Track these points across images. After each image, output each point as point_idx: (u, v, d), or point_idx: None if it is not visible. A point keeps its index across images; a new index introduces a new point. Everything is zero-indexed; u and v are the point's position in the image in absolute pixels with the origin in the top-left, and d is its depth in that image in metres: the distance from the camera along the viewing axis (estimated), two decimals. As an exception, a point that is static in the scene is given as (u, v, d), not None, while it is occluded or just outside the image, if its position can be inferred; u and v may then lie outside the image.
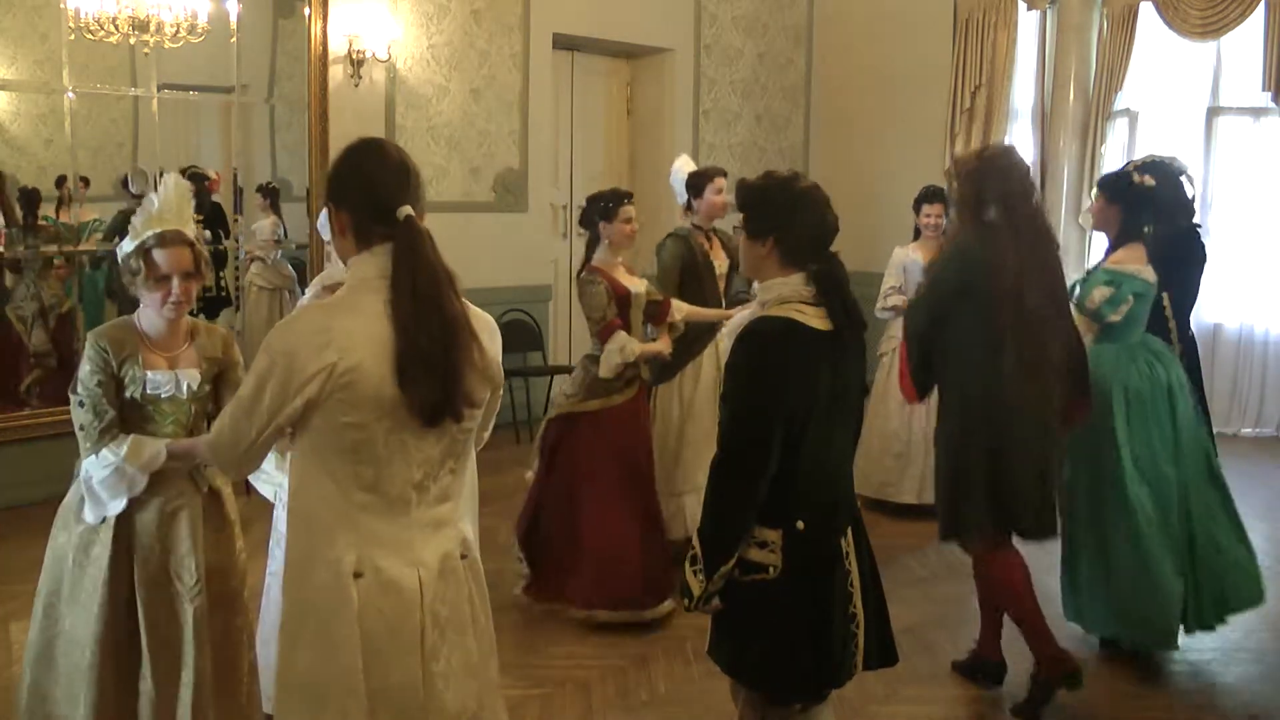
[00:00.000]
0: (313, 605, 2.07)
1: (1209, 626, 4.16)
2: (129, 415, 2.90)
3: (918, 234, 6.09)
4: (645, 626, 4.45)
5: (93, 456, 2.85)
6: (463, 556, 2.20)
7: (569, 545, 4.52)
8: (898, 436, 5.97)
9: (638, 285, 4.69)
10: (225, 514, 3.08)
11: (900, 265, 6.05)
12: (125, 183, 6.62)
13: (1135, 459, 4.05)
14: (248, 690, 3.14)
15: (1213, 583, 4.09)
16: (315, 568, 2.07)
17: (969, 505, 3.69)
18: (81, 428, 2.88)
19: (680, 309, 4.86)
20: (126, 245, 2.88)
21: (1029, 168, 3.82)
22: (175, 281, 2.85)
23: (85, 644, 2.88)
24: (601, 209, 4.58)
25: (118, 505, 2.86)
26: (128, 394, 2.88)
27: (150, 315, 2.92)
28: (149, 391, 2.88)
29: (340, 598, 2.04)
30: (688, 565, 2.57)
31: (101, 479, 2.84)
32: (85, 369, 2.87)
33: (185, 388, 2.94)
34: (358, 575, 2.05)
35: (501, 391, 2.29)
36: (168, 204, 2.90)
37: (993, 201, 3.64)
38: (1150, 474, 4.05)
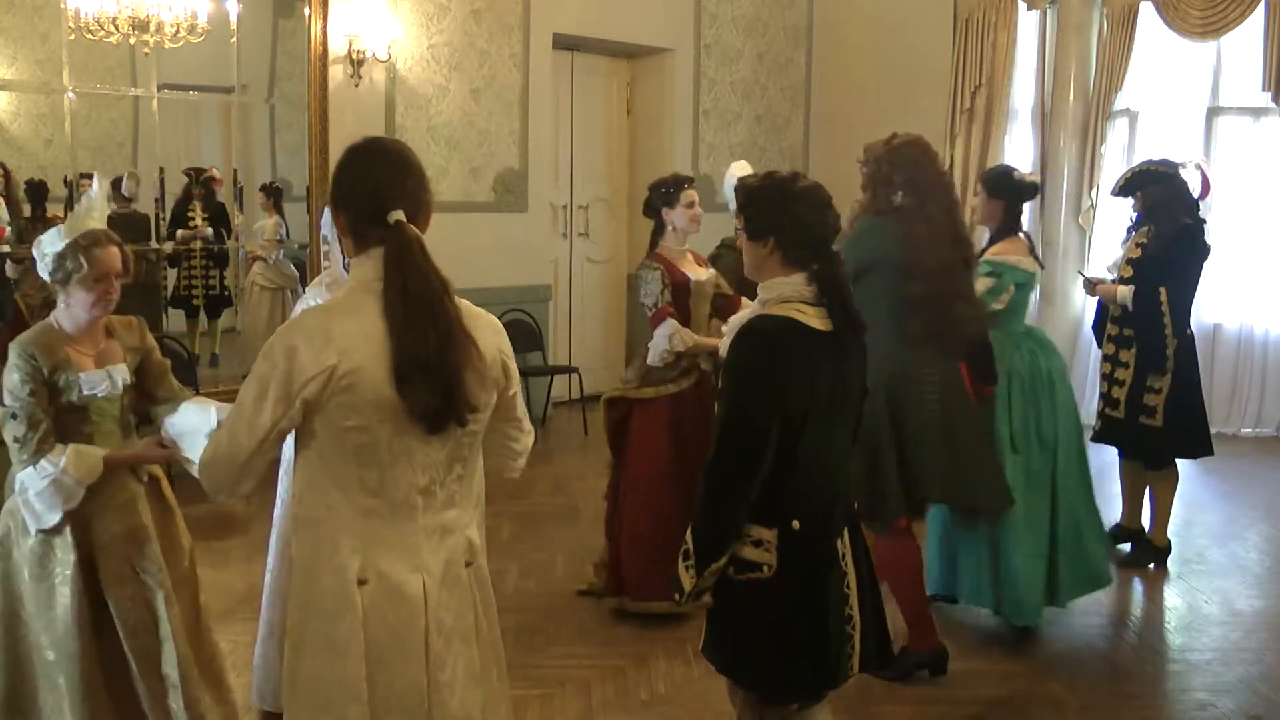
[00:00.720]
0: (318, 611, 2.06)
1: (1063, 604, 4.42)
2: (68, 420, 2.88)
3: None
4: (645, 626, 4.45)
5: (30, 469, 2.81)
6: (468, 564, 2.19)
7: (622, 535, 4.51)
8: None
9: (702, 274, 4.57)
10: (166, 500, 3.13)
11: None
12: (117, 185, 6.61)
13: (1011, 440, 4.26)
14: (221, 666, 3.21)
15: (1072, 564, 4.35)
16: (320, 574, 2.06)
17: (883, 484, 3.75)
18: (16, 440, 2.83)
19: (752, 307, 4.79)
20: (55, 245, 2.85)
21: (940, 161, 3.96)
22: (113, 280, 2.88)
23: (63, 664, 2.87)
24: (663, 195, 4.51)
25: (53, 517, 2.84)
26: (65, 399, 2.86)
27: (73, 315, 2.90)
28: (86, 393, 2.87)
29: (345, 604, 2.04)
30: (680, 560, 2.58)
31: (38, 491, 2.81)
32: (14, 379, 2.81)
33: (119, 382, 2.95)
34: (362, 582, 2.05)
35: (516, 389, 2.25)
36: (98, 207, 2.95)
37: (900, 187, 3.79)
38: (1023, 455, 4.27)
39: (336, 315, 2.04)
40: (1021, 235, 4.51)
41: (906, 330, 3.71)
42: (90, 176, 6.34)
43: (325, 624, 2.05)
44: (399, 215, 2.03)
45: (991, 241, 4.52)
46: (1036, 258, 4.57)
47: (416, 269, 2.01)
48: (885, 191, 3.82)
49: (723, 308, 4.65)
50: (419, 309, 1.99)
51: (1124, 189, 5.25)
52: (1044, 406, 4.34)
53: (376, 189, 2.06)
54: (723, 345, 2.95)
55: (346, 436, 2.01)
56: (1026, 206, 4.77)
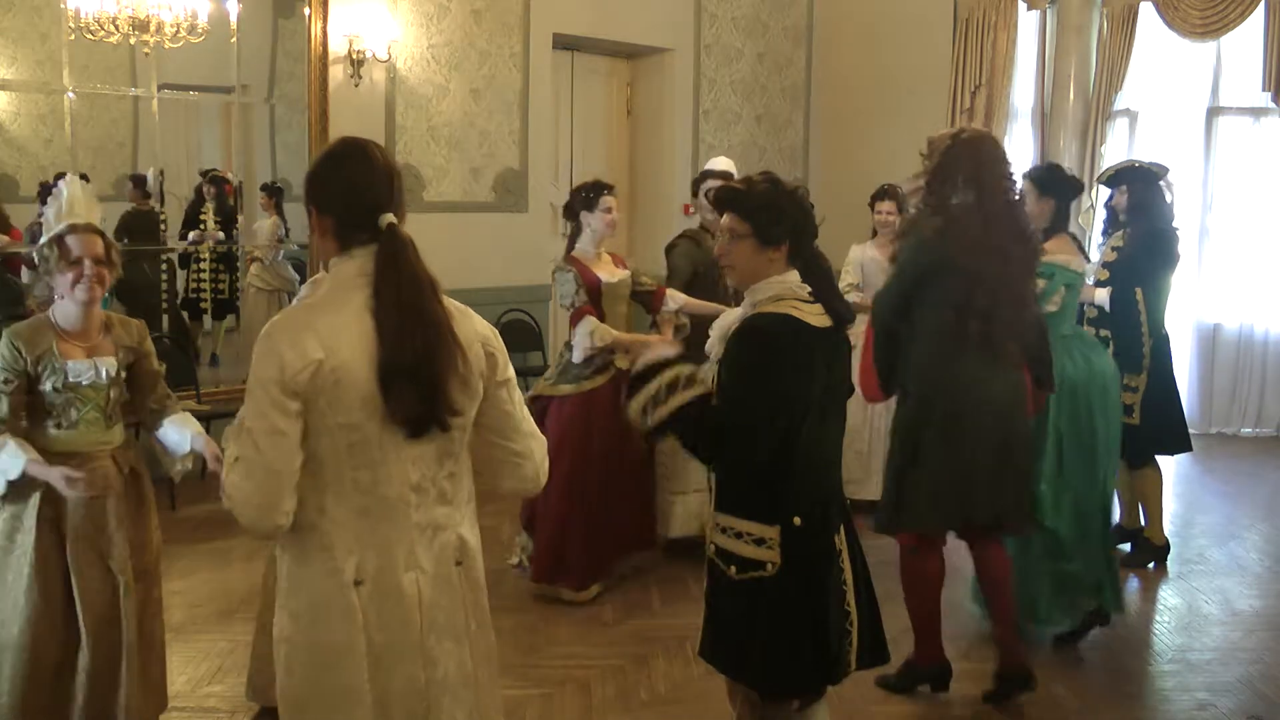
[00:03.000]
0: (315, 618, 2.05)
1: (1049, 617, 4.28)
2: (54, 404, 3.00)
3: (875, 232, 6.15)
4: (648, 625, 4.46)
5: None
6: (458, 563, 2.17)
7: (535, 523, 4.78)
8: (859, 434, 5.95)
9: (614, 275, 4.77)
10: (143, 493, 3.22)
11: (857, 263, 6.11)
12: (141, 182, 6.61)
13: (1060, 452, 4.17)
14: (160, 660, 3.29)
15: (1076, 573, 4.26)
16: (316, 581, 2.05)
17: (916, 493, 3.65)
18: None
19: (676, 298, 4.94)
20: (40, 239, 3.00)
21: (1007, 155, 3.77)
22: (87, 263, 2.96)
23: (16, 634, 2.97)
24: (584, 199, 4.73)
25: None
26: (48, 385, 2.97)
27: (65, 307, 3.02)
28: (71, 380, 2.99)
29: (343, 608, 2.03)
30: (657, 396, 2.57)
31: None
32: None
33: (104, 373, 3.05)
34: (358, 583, 2.04)
35: (507, 378, 2.19)
36: (75, 201, 3.03)
37: (963, 184, 3.60)
38: (1075, 469, 4.19)
39: (319, 312, 2.03)
40: (1068, 233, 4.40)
41: (967, 339, 3.55)
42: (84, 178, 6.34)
43: (323, 630, 2.04)
44: (391, 218, 2.04)
45: (1041, 240, 4.33)
46: (1085, 255, 4.48)
47: (409, 273, 2.01)
48: (946, 190, 3.64)
49: (647, 303, 4.91)
50: (409, 314, 1.99)
51: (1111, 179, 5.29)
52: (1095, 409, 4.25)
53: (367, 192, 2.05)
54: (712, 346, 2.90)
55: (338, 434, 2.00)
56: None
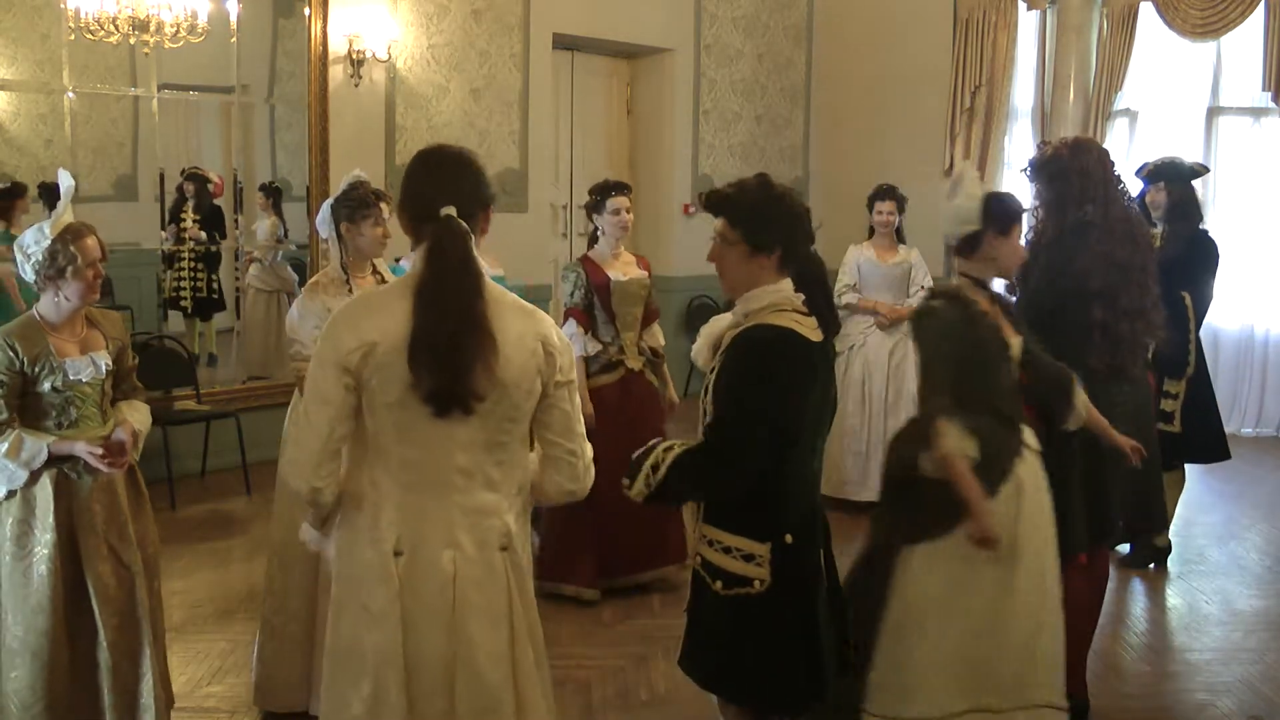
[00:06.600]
0: (359, 580, 2.23)
1: None
2: (53, 404, 3.01)
3: (872, 232, 6.14)
4: (648, 625, 4.47)
5: None
6: (503, 549, 2.27)
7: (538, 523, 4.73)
8: (858, 435, 5.96)
9: (628, 274, 4.74)
10: (139, 486, 3.26)
11: (854, 263, 6.11)
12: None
13: None
14: (161, 655, 3.30)
15: None
16: (361, 546, 2.22)
17: (1071, 519, 3.36)
18: None
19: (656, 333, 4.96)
20: (42, 243, 2.98)
21: (1112, 160, 3.60)
22: (99, 267, 3.03)
23: (32, 640, 2.98)
24: (592, 203, 4.75)
25: None
26: (46, 386, 2.99)
27: (60, 306, 3.03)
28: (72, 378, 3.01)
29: (383, 574, 2.20)
30: (648, 469, 2.59)
31: None
32: None
33: (102, 367, 3.09)
34: (398, 554, 2.20)
35: (567, 379, 2.28)
36: (67, 206, 3.09)
37: (1089, 198, 3.41)
38: None
39: (379, 299, 2.24)
40: None
41: (1090, 363, 3.36)
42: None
43: (365, 593, 2.21)
44: (450, 210, 2.18)
45: None
46: None
47: (450, 259, 2.15)
48: (1073, 208, 3.43)
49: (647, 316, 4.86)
50: (443, 295, 2.13)
51: (1152, 175, 5.03)
52: None
53: (426, 189, 2.23)
54: (699, 353, 2.83)
55: (389, 413, 2.16)
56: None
